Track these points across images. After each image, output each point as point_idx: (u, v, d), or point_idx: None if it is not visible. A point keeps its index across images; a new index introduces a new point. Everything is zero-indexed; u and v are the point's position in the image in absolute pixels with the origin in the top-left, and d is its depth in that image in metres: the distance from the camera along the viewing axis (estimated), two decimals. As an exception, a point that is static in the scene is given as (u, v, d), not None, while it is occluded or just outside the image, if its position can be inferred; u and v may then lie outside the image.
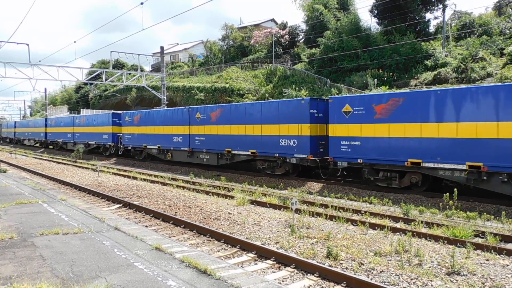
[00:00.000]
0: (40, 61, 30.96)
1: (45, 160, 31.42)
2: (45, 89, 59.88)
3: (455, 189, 10.88)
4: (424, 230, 8.98)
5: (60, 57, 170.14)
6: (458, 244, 7.86)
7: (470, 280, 6.05)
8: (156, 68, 55.43)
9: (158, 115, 25.19)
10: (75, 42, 32.06)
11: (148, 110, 28.61)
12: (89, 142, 33.59)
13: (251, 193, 14.00)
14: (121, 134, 29.02)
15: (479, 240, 8.20)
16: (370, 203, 12.40)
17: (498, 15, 33.49)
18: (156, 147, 24.84)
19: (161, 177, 19.15)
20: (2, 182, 15.56)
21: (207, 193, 14.51)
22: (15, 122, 62.45)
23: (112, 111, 35.60)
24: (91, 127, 33.38)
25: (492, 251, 7.42)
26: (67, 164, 27.12)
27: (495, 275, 6.25)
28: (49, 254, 6.36)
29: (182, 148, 22.58)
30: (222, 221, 9.98)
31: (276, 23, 54.06)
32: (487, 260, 7.02)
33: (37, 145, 49.73)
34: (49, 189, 14.65)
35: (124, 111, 30.40)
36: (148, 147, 25.76)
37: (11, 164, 26.56)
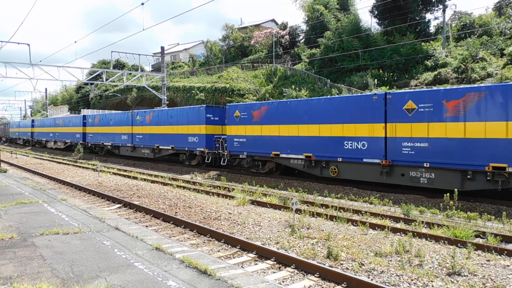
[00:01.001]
0: (40, 61, 31.01)
1: (46, 160, 31.42)
2: (46, 89, 60.06)
3: (456, 189, 10.88)
4: (424, 230, 8.97)
5: (60, 57, 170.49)
6: (459, 244, 7.85)
7: (471, 281, 6.04)
8: (156, 68, 55.49)
9: (308, 107, 16.16)
10: (75, 42, 32.15)
11: (284, 100, 19.94)
12: (161, 147, 25.04)
13: (251, 193, 14.00)
14: (223, 136, 20.68)
15: (479, 241, 8.19)
16: (371, 203, 12.39)
17: (498, 15, 33.48)
18: (302, 157, 16.23)
19: (162, 177, 19.14)
20: (3, 182, 15.56)
21: (207, 193, 14.51)
22: (32, 120, 52.59)
23: (205, 105, 24.37)
24: (163, 127, 25.00)
25: (493, 251, 7.41)
26: (68, 164, 27.12)
27: (496, 276, 6.24)
28: (49, 254, 6.36)
29: (366, 160, 13.99)
30: (223, 221, 9.97)
31: (277, 24, 54.11)
32: (488, 260, 7.01)
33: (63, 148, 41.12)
34: (50, 189, 14.65)
35: (231, 103, 22.49)
36: (282, 156, 17.02)
37: (11, 164, 26.56)
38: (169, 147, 24.37)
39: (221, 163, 20.83)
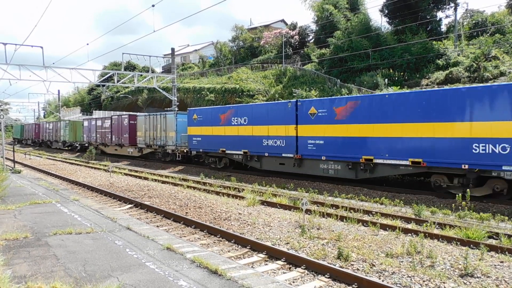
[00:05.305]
0: (53, 63, 31.43)
1: (58, 161, 31.85)
2: (59, 91, 60.78)
3: (468, 190, 10.75)
4: (436, 231, 8.88)
5: (73, 59, 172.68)
6: (472, 245, 7.76)
7: (484, 283, 5.96)
8: (167, 70, 55.87)
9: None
10: (87, 44, 32.54)
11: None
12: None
13: (261, 193, 14.01)
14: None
15: (493, 242, 8.08)
16: (381, 203, 12.30)
17: (511, 13, 32.93)
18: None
19: (172, 177, 19.27)
20: (17, 183, 15.83)
21: (217, 193, 14.56)
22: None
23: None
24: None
25: (507, 252, 7.30)
26: (80, 165, 27.45)
27: (509, 278, 6.15)
28: (63, 254, 6.46)
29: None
30: (233, 221, 10.00)
31: (286, 24, 54.03)
32: (501, 262, 6.90)
33: None
34: (62, 189, 14.86)
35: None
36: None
37: (25, 165, 27.01)
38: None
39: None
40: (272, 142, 17.60)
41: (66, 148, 44.38)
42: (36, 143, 56.29)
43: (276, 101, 21.59)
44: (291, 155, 16.66)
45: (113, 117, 33.03)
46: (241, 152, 19.23)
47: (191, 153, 22.84)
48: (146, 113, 29.68)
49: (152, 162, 27.37)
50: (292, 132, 16.61)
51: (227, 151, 20.10)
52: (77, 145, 40.52)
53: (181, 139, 24.59)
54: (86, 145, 37.80)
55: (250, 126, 18.75)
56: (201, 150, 22.04)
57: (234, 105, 22.38)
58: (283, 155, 17.07)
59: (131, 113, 34.10)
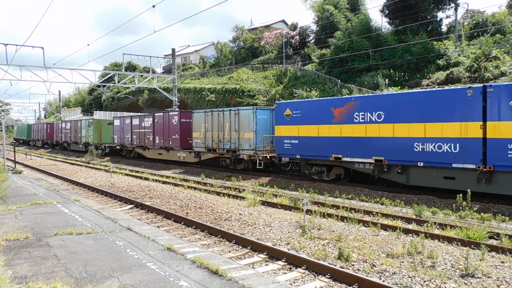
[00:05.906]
0: (54, 64, 31.52)
1: (59, 161, 31.87)
2: (60, 91, 61.01)
3: (469, 190, 10.73)
4: (437, 231, 8.87)
5: (73, 60, 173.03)
6: (472, 246, 7.75)
7: (485, 283, 5.96)
8: (167, 70, 55.90)
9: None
10: (88, 45, 32.60)
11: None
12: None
13: (261, 194, 14.01)
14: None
15: (493, 242, 8.07)
16: (382, 204, 12.30)
17: (512, 13, 32.90)
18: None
19: (173, 178, 19.27)
20: (18, 183, 15.84)
21: (218, 194, 14.57)
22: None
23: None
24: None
25: (507, 253, 7.29)
26: (81, 165, 27.46)
27: (510, 278, 6.15)
28: (63, 254, 6.46)
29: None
30: (233, 221, 10.00)
31: (286, 24, 54.04)
32: (502, 262, 6.90)
33: None
34: (63, 189, 14.87)
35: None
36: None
37: (26, 165, 27.04)
38: None
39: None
40: (433, 146, 12.41)
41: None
42: (48, 144, 50.36)
43: (442, 88, 16.12)
44: (472, 166, 11.61)
45: (156, 114, 27.63)
46: (371, 160, 14.11)
47: (280, 160, 17.87)
48: (206, 109, 23.96)
49: (214, 170, 21.91)
50: (475, 132, 11.52)
51: (345, 158, 14.90)
52: (103, 147, 34.72)
53: (263, 142, 19.31)
54: (118, 147, 32.59)
55: (390, 124, 13.55)
56: (297, 157, 16.76)
57: (358, 95, 16.80)
58: (454, 165, 11.96)
59: (182, 110, 28.63)
